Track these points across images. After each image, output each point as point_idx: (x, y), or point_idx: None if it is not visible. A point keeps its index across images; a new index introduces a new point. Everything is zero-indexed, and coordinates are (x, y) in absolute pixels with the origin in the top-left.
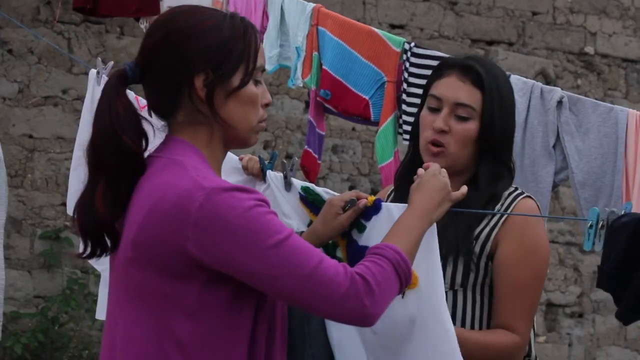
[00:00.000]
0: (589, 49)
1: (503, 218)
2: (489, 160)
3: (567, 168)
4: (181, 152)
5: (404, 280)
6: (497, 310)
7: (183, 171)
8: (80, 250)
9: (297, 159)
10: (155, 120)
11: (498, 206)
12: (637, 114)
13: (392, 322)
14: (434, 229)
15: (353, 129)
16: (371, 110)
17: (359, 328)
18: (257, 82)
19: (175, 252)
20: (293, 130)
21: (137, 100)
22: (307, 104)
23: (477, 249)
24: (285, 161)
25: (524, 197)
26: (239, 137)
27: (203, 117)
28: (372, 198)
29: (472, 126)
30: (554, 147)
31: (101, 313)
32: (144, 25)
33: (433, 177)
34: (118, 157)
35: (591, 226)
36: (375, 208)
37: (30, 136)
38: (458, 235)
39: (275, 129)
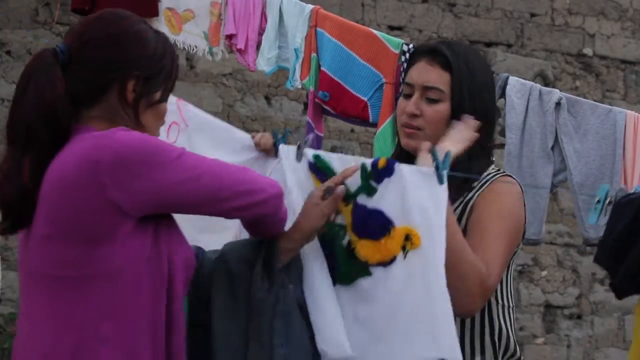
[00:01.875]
0: (588, 51)
1: (478, 192)
2: None
3: (565, 169)
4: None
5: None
6: None
7: (85, 139)
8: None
9: (311, 135)
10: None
11: (475, 184)
12: (636, 116)
13: (395, 284)
14: (444, 190)
15: (352, 131)
16: (370, 111)
17: (355, 299)
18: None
19: (95, 208)
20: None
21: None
22: (306, 105)
23: None
24: (302, 130)
25: (502, 175)
26: None
27: (121, 118)
28: (384, 160)
29: (442, 107)
30: (552, 148)
31: None
32: None
33: (314, 205)
34: (53, 135)
35: (599, 201)
36: (388, 171)
37: None
38: None
39: None
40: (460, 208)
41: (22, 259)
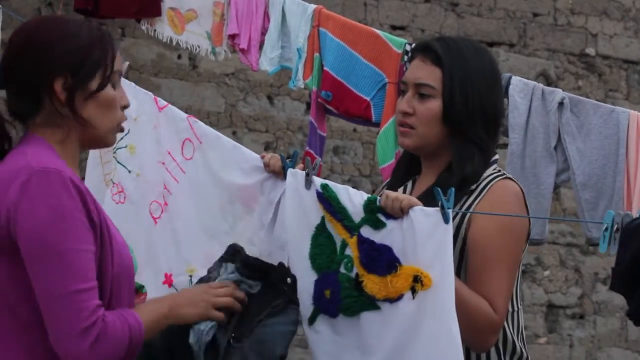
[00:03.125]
0: (590, 50)
1: (477, 198)
2: (458, 139)
3: (568, 169)
4: (31, 144)
5: (133, 351)
6: (470, 286)
7: (22, 156)
8: None
9: (320, 158)
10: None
11: (473, 187)
12: (638, 116)
13: (405, 320)
14: (449, 229)
15: (354, 130)
16: (372, 111)
17: (361, 330)
18: (114, 86)
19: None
20: (294, 132)
21: (156, 100)
22: (308, 105)
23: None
24: (309, 158)
25: (502, 179)
26: (98, 136)
27: (61, 119)
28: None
29: (434, 105)
30: (555, 148)
31: None
32: (145, 26)
33: (205, 292)
34: None
35: (606, 229)
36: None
37: None
38: None
39: (276, 130)
40: (459, 216)
41: None
